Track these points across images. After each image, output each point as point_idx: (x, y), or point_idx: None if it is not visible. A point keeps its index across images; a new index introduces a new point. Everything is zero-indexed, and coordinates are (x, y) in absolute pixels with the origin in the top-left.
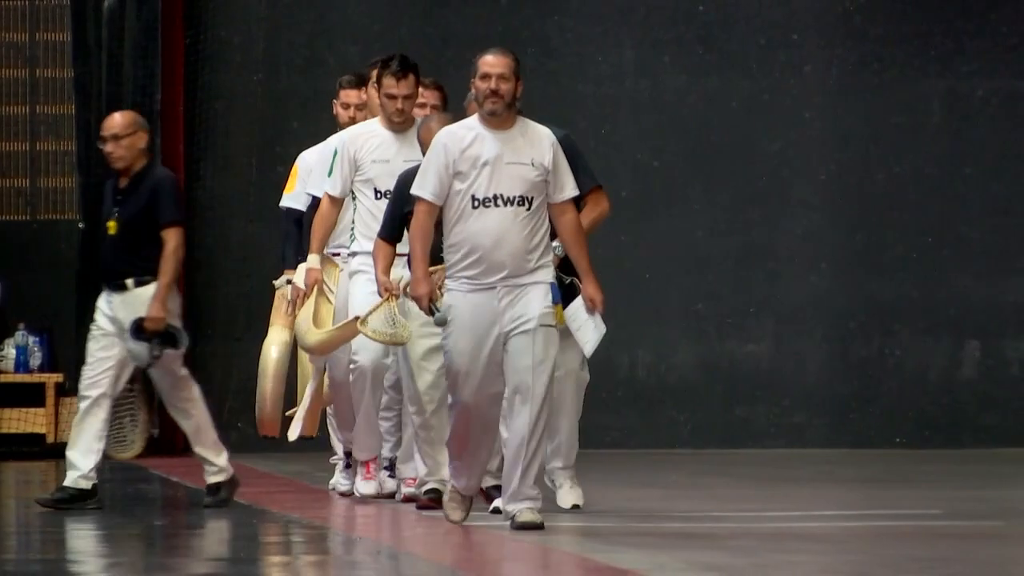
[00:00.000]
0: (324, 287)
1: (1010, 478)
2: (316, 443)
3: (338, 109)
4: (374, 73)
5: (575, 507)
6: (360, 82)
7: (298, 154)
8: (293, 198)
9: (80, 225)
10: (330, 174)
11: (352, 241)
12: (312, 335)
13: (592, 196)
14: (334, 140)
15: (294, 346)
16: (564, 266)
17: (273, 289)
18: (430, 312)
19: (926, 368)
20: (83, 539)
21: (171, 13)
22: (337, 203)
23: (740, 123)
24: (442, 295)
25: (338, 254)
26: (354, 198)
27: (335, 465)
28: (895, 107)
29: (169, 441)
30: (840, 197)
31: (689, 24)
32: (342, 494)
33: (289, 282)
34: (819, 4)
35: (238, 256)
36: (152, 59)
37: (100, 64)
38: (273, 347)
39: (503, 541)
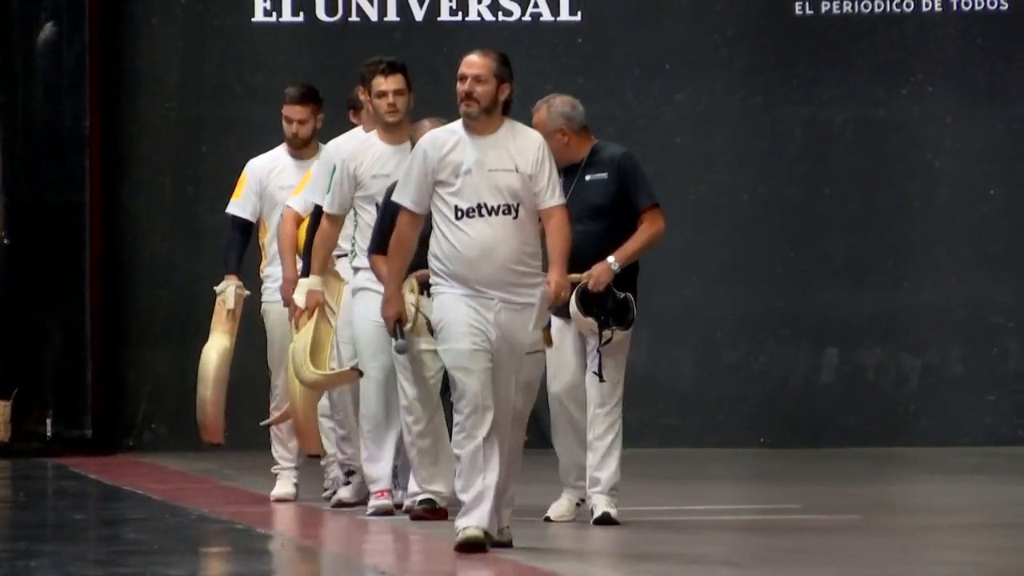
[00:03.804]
0: (325, 308)
1: (865, 475)
2: (225, 442)
3: (283, 122)
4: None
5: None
6: (303, 98)
7: (208, 176)
8: (239, 206)
9: (5, 241)
10: (328, 191)
11: (354, 257)
12: (307, 372)
13: (648, 214)
14: (306, 150)
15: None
16: (617, 281)
17: (214, 295)
18: (395, 335)
19: (788, 373)
20: (2, 533)
21: (91, 44)
22: (337, 221)
23: None
24: (417, 311)
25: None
26: (355, 213)
27: (276, 475)
28: (759, 132)
29: (88, 440)
30: (709, 216)
31: (570, 56)
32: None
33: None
34: (690, 37)
35: (152, 270)
36: (81, 88)
37: (26, 91)
38: (213, 352)
39: (401, 534)
